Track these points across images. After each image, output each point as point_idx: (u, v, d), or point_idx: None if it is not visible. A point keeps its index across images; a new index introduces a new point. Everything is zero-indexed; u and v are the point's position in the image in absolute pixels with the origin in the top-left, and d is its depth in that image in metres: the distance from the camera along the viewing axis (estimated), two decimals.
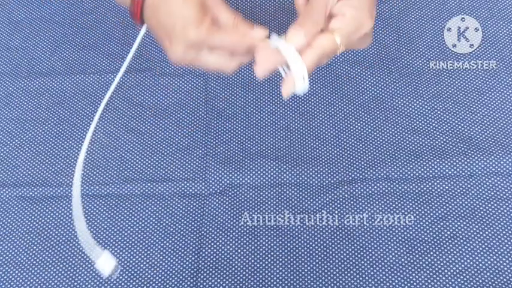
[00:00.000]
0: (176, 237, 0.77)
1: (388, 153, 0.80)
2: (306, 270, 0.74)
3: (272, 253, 0.75)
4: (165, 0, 0.55)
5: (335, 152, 0.81)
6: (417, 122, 0.82)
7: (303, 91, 0.54)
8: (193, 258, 0.75)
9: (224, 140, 0.83)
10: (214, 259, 0.75)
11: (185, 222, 0.77)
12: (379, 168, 0.79)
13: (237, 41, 0.54)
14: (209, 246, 0.76)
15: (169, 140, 0.83)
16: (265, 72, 0.54)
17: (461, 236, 0.75)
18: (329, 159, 0.80)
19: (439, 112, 0.83)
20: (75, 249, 0.76)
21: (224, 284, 0.74)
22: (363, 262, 0.74)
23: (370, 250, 0.74)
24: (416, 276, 0.73)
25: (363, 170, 0.79)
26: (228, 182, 0.79)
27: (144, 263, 0.75)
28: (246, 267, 0.74)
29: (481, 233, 0.75)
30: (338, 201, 0.77)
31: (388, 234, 0.75)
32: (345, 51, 0.56)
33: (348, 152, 0.80)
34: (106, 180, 0.80)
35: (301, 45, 0.53)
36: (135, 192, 0.79)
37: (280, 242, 0.75)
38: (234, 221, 0.77)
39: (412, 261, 0.73)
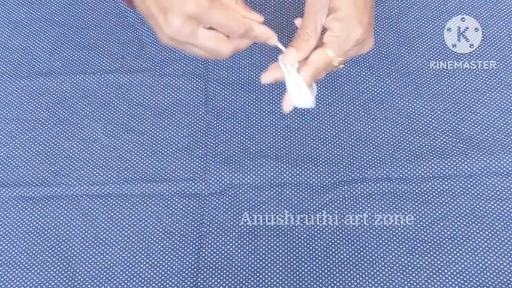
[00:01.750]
0: (176, 237, 0.77)
1: (388, 153, 0.80)
2: (306, 270, 0.74)
3: (272, 253, 0.75)
4: None
5: (335, 152, 0.81)
6: (417, 122, 0.82)
7: (307, 106, 0.58)
8: (193, 258, 0.75)
9: (224, 140, 0.82)
10: (214, 259, 0.75)
11: (185, 222, 0.77)
12: (379, 168, 0.79)
13: (237, 19, 0.53)
14: (209, 246, 0.76)
15: (169, 140, 0.83)
16: (268, 80, 0.58)
17: (461, 236, 0.75)
18: (329, 159, 0.80)
19: (439, 112, 0.83)
20: (75, 249, 0.76)
21: (224, 284, 0.73)
22: (363, 262, 0.74)
23: (370, 250, 0.74)
24: (416, 276, 0.73)
25: (363, 170, 0.79)
26: (228, 182, 0.79)
27: (144, 263, 0.75)
28: (246, 267, 0.74)
29: (481, 233, 0.75)
30: (338, 201, 0.77)
31: (388, 234, 0.75)
32: (345, 60, 0.58)
33: (348, 152, 0.80)
34: (106, 180, 0.80)
35: (293, 62, 0.56)
36: (135, 192, 0.79)
37: (280, 242, 0.75)
38: (234, 221, 0.77)
39: (412, 261, 0.73)
